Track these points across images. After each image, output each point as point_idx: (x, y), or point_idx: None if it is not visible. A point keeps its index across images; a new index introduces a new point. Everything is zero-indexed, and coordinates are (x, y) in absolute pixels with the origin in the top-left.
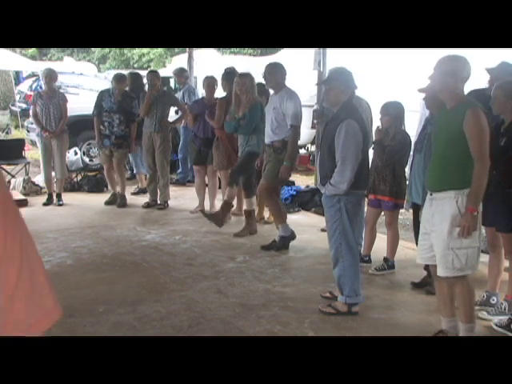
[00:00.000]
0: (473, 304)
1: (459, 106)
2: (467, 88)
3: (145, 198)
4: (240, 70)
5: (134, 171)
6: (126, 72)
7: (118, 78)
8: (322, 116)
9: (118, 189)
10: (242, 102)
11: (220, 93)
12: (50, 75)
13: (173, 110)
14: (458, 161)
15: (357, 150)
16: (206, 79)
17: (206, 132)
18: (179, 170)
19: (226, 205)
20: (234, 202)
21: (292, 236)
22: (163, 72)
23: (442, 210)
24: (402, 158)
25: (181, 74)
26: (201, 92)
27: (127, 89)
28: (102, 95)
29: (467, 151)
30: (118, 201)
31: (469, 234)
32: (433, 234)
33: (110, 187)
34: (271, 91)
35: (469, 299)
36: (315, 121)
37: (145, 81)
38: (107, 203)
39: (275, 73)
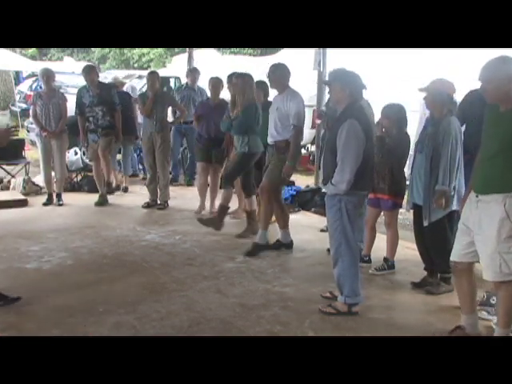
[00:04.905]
0: None
1: None
2: (467, 88)
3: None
4: (240, 70)
5: (119, 169)
6: (126, 72)
7: (87, 70)
8: (325, 116)
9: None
10: (237, 102)
11: (224, 93)
12: (48, 74)
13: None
14: (508, 164)
15: (357, 150)
16: (211, 80)
17: (209, 132)
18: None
19: (223, 208)
20: (232, 204)
21: (290, 245)
22: (163, 72)
23: (489, 213)
24: (400, 156)
25: (195, 72)
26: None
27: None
28: (81, 92)
29: None
30: (105, 188)
31: None
32: (479, 237)
33: (97, 187)
34: (275, 92)
35: (511, 305)
36: (318, 121)
37: (144, 81)
38: (97, 204)
39: (279, 73)
